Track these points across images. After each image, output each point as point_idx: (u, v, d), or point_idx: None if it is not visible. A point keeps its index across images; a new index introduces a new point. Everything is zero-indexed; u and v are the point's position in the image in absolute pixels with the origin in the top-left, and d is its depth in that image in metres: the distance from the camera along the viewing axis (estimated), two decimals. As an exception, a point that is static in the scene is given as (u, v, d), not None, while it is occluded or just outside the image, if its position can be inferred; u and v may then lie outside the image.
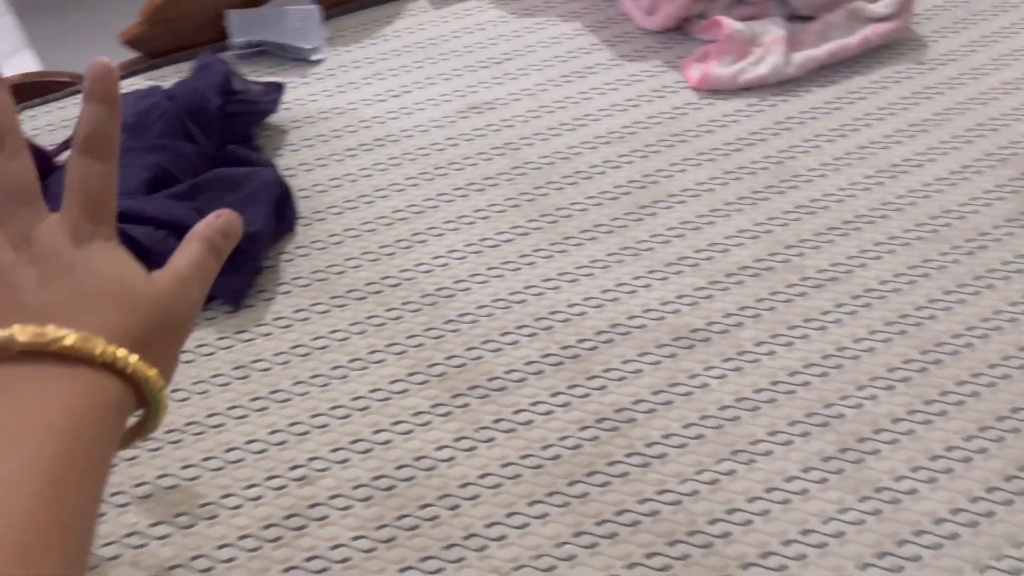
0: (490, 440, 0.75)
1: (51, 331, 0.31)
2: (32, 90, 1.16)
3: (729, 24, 1.11)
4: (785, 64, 1.08)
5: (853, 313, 0.83)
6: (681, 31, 1.18)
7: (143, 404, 0.35)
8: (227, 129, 0.99)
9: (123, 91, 1.03)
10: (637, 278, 0.88)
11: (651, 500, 0.70)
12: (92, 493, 0.31)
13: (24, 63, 2.21)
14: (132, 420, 0.37)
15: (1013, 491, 0.69)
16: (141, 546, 0.68)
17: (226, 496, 0.72)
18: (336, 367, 0.82)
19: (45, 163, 0.98)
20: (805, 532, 0.68)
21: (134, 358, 0.33)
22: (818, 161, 0.99)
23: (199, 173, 0.94)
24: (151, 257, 0.83)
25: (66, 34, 2.26)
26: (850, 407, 0.75)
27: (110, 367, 0.32)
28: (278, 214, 0.93)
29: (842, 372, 0.78)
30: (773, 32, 1.11)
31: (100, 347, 0.32)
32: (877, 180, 0.97)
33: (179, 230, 0.85)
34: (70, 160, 0.37)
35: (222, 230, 0.42)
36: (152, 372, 0.34)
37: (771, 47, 1.09)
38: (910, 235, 0.91)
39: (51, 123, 1.09)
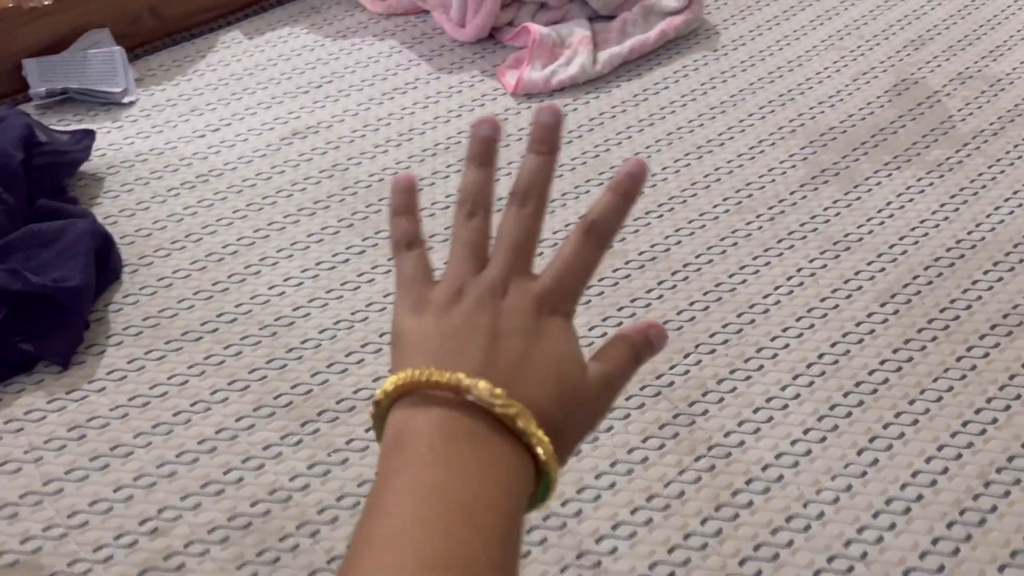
0: (344, 462, 0.76)
1: (500, 395, 0.33)
2: None
3: (537, 29, 1.16)
4: (592, 63, 1.14)
5: (673, 288, 0.89)
6: (493, 40, 1.22)
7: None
8: (35, 183, 0.95)
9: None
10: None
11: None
12: (513, 568, 0.33)
13: None
14: None
15: (826, 429, 0.76)
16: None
17: (73, 563, 0.69)
18: (178, 412, 0.80)
19: None
20: (650, 498, 0.72)
21: (551, 448, 0.34)
22: (631, 151, 1.06)
23: (7, 233, 0.89)
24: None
25: None
26: (678, 375, 0.81)
27: (528, 445, 0.33)
28: (101, 265, 0.90)
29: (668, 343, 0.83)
30: (578, 33, 1.17)
31: (532, 427, 0.33)
32: (685, 162, 1.04)
33: (-10, 294, 0.81)
34: (571, 234, 0.38)
35: (651, 342, 0.41)
36: (556, 462, 0.34)
37: (578, 48, 1.15)
38: (718, 209, 0.98)
39: None
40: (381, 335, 0.86)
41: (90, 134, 1.04)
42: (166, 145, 1.08)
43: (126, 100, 1.13)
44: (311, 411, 0.80)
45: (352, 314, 0.89)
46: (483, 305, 0.36)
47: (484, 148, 0.39)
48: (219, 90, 1.16)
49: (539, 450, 0.33)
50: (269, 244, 0.96)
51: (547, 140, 0.39)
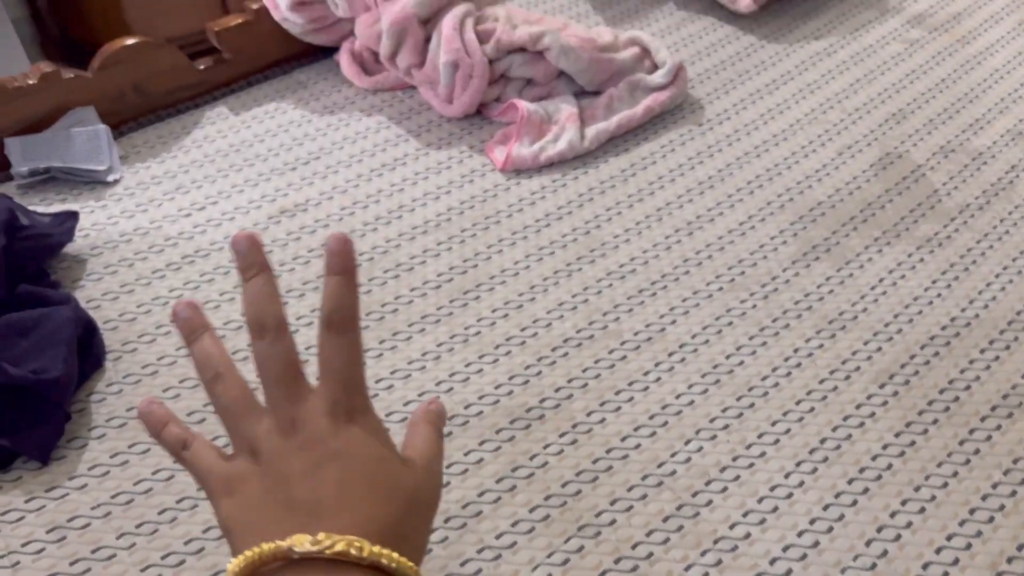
0: (338, 560, 0.73)
1: (324, 539, 0.34)
2: None
3: (524, 106, 1.17)
4: (580, 139, 1.15)
5: (671, 370, 0.88)
6: (480, 115, 1.23)
7: None
8: (16, 269, 0.93)
9: None
10: (469, 364, 0.89)
11: (507, 592, 0.70)
12: None
13: None
14: None
15: (833, 519, 0.75)
16: None
17: None
18: (163, 510, 0.77)
19: None
20: (656, 596, 0.70)
21: (396, 556, 0.35)
22: (621, 227, 1.06)
23: (-13, 322, 0.86)
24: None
25: None
26: (680, 463, 0.79)
27: (375, 566, 0.34)
28: (83, 352, 0.87)
29: (668, 429, 0.82)
30: (566, 110, 1.17)
31: (367, 550, 0.34)
32: (676, 239, 1.04)
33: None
34: (319, 338, 0.39)
35: (440, 414, 0.44)
36: (411, 565, 0.35)
37: (566, 124, 1.16)
38: (712, 287, 0.98)
39: None
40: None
41: (73, 215, 1.02)
42: (151, 224, 1.07)
43: (111, 178, 1.12)
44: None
45: (344, 401, 0.86)
46: (281, 454, 0.37)
47: (190, 327, 0.40)
48: (205, 167, 1.15)
49: (384, 562, 0.34)
50: (257, 328, 0.94)
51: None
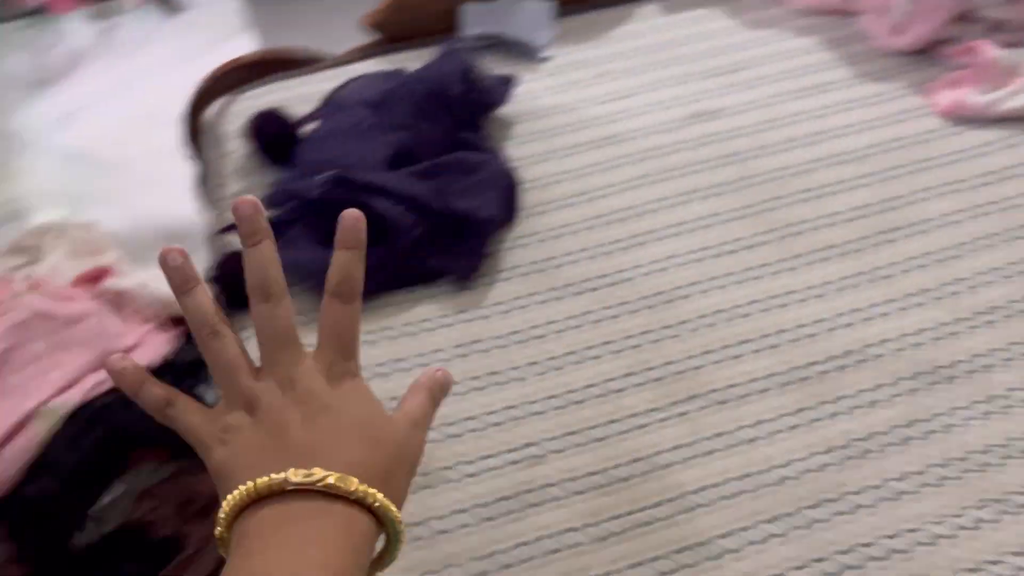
0: (710, 452, 0.73)
1: (317, 472, 0.36)
2: (271, 66, 1.24)
3: (989, 50, 1.03)
4: (1051, 96, 0.99)
5: None
6: (927, 54, 1.11)
7: (383, 535, 0.40)
8: (463, 116, 1.02)
9: (368, 72, 1.08)
10: (874, 305, 0.83)
11: (899, 536, 0.66)
12: None
13: (246, 44, 2.38)
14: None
15: None
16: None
17: (445, 468, 0.73)
18: (552, 357, 0.82)
19: (290, 134, 1.04)
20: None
21: (380, 495, 0.37)
22: (1085, 202, 0.91)
23: (437, 155, 0.97)
24: (390, 229, 0.86)
25: (288, 16, 2.42)
26: (1124, 474, 0.68)
27: (360, 503, 0.37)
28: (505, 204, 0.94)
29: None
30: (1037, 61, 1.02)
31: (354, 485, 0.37)
32: None
33: (417, 206, 0.88)
34: (323, 304, 0.41)
35: (442, 384, 0.45)
36: (393, 507, 0.38)
37: (1034, 77, 1.01)
38: None
39: (287, 98, 1.14)
40: (762, 336, 0.81)
41: (511, 80, 1.10)
42: (574, 103, 1.12)
43: (542, 55, 1.18)
44: (681, 392, 0.78)
45: (733, 307, 0.85)
46: (279, 407, 0.39)
47: (182, 275, 0.40)
48: (629, 59, 1.17)
49: (370, 500, 0.36)
50: (658, 219, 0.95)
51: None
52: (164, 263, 0.40)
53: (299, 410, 0.39)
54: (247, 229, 0.41)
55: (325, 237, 0.93)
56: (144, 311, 1.52)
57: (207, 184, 1.06)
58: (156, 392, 0.41)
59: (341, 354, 0.41)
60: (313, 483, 0.36)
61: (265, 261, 0.41)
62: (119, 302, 1.49)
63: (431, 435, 0.75)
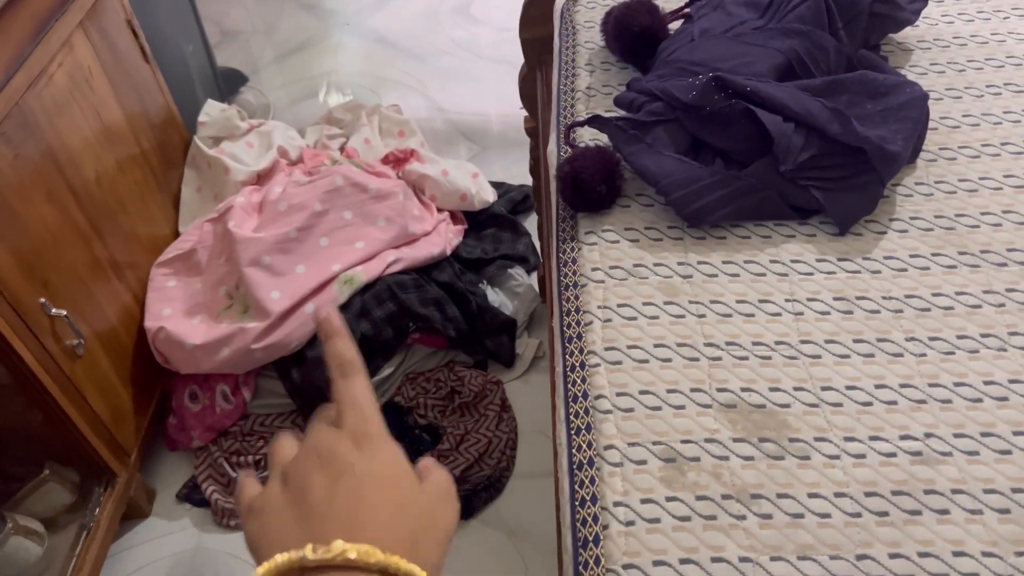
0: None
1: (335, 547, 0.35)
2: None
3: None
4: None
5: None
6: None
7: None
8: (868, 32, 0.86)
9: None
10: None
11: None
12: None
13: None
14: None
15: None
16: (722, 458, 0.60)
17: (819, 440, 0.61)
18: (962, 336, 0.67)
19: (658, 29, 0.93)
20: None
21: (403, 563, 0.36)
22: None
23: (833, 71, 0.82)
24: (773, 148, 0.74)
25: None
26: None
27: (383, 573, 0.36)
28: (917, 141, 0.78)
29: None
30: None
31: (375, 556, 0.35)
32: None
33: (809, 125, 0.75)
34: (332, 385, 0.42)
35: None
36: (421, 572, 0.36)
37: None
38: None
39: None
40: None
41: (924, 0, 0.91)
42: (991, 36, 0.91)
43: (960, -27, 0.97)
44: None
45: None
46: (302, 473, 0.39)
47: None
48: (1078, -10, 0.93)
49: (392, 569, 0.36)
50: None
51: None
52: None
53: (322, 473, 0.39)
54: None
55: (691, 145, 0.83)
56: (441, 199, 1.51)
57: (560, 75, 0.98)
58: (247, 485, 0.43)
59: (361, 418, 0.41)
60: (332, 559, 0.35)
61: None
62: (421, 186, 1.50)
63: (805, 396, 0.63)
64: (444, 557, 0.40)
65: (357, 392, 0.42)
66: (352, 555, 0.35)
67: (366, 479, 0.39)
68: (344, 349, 0.43)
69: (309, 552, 0.35)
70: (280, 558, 0.36)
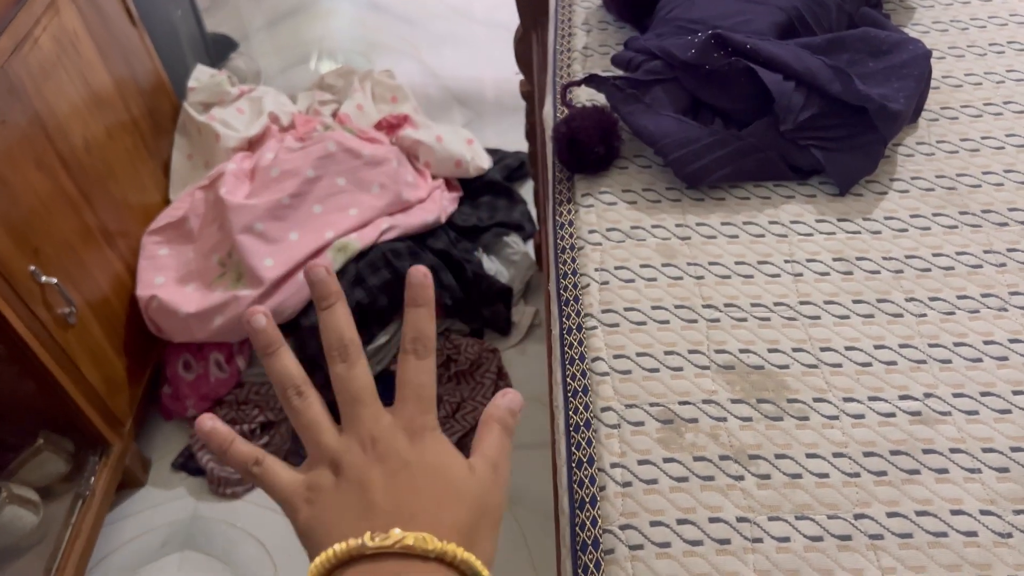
0: None
1: (393, 535, 0.36)
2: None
3: None
4: None
5: None
6: None
7: None
8: (871, -12, 0.84)
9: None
10: None
11: None
12: None
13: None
14: None
15: None
16: (720, 419, 0.60)
17: (818, 401, 0.61)
18: (962, 296, 0.66)
19: None
20: None
21: (460, 551, 0.36)
22: None
23: (834, 28, 0.80)
24: (773, 106, 0.72)
25: None
26: None
27: (441, 560, 0.36)
28: (918, 99, 0.77)
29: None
30: None
31: (432, 543, 0.36)
32: None
33: (809, 84, 0.73)
34: (399, 360, 0.42)
35: (511, 409, 0.44)
36: (477, 562, 0.37)
37: None
38: None
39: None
40: None
41: (927, -47, 0.89)
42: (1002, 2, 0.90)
43: (963, -71, 0.95)
44: None
45: None
46: (362, 466, 0.39)
47: (266, 339, 0.42)
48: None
49: (449, 556, 0.36)
50: (1118, 148, 0.74)
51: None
52: (250, 324, 0.42)
53: (380, 468, 0.39)
54: (320, 292, 0.42)
55: (690, 104, 0.81)
56: (436, 166, 1.49)
57: (557, 35, 0.96)
58: (244, 451, 0.41)
59: (419, 408, 0.41)
60: (390, 546, 0.36)
61: (340, 323, 0.42)
62: (414, 152, 1.48)
63: (803, 357, 0.63)
64: (496, 543, 0.40)
65: (425, 378, 0.41)
66: (410, 542, 0.36)
67: (423, 472, 0.39)
68: (428, 324, 0.42)
69: (368, 539, 0.36)
70: (339, 547, 0.36)
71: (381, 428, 0.40)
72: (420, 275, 0.42)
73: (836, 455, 0.58)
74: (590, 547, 0.55)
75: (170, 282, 1.31)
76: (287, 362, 0.42)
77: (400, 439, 0.40)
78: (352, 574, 0.36)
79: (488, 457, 0.41)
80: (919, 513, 0.54)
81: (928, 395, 0.60)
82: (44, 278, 1.09)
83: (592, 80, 0.80)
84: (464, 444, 1.30)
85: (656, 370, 0.63)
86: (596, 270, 0.70)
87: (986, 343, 0.63)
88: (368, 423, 0.40)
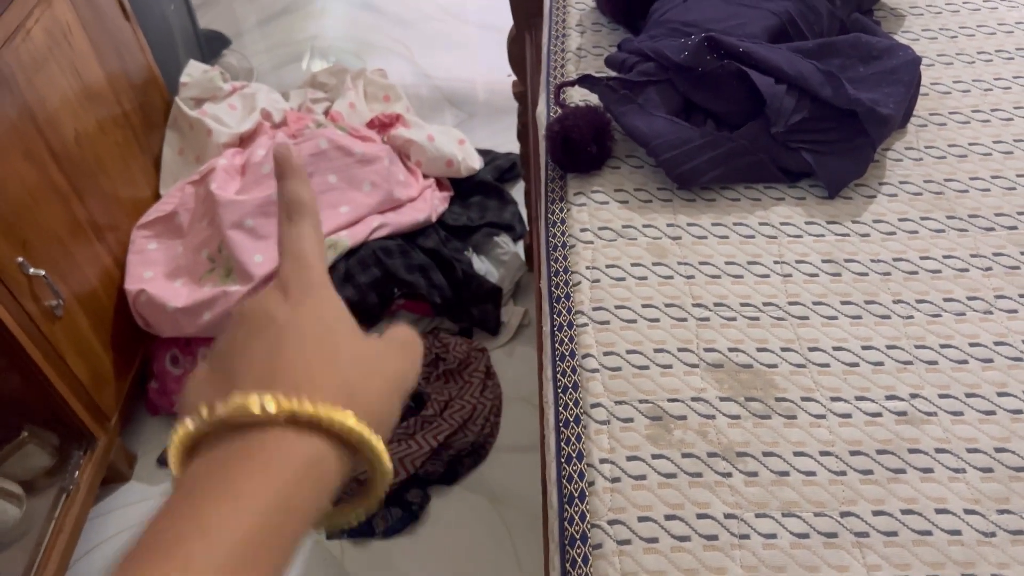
0: None
1: (232, 403, 0.30)
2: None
3: None
4: None
5: None
6: None
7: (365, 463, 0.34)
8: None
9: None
10: None
11: None
12: (286, 553, 0.30)
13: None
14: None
15: None
16: (709, 417, 0.60)
17: (805, 400, 0.61)
18: (949, 299, 0.67)
19: None
20: None
21: (325, 408, 0.31)
22: None
23: (826, 34, 0.81)
24: (765, 110, 0.73)
25: None
26: None
27: (295, 422, 0.31)
28: (908, 105, 0.77)
29: None
30: None
31: (275, 404, 0.30)
32: None
33: (801, 88, 0.74)
34: (278, 230, 0.39)
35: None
36: (351, 421, 0.32)
37: None
38: None
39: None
40: None
41: (918, -38, 0.90)
42: (983, 2, 0.91)
43: (953, -61, 0.97)
44: None
45: None
46: (225, 336, 0.35)
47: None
48: (1071, -42, 0.93)
49: (299, 413, 0.31)
50: (1102, 156, 0.75)
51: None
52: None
53: (242, 329, 0.35)
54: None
55: (682, 106, 0.82)
56: (427, 165, 1.49)
57: (550, 36, 0.97)
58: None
59: (297, 267, 0.37)
60: (230, 417, 0.30)
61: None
62: (406, 151, 1.48)
63: (792, 357, 0.63)
64: (394, 407, 0.36)
65: (302, 239, 0.37)
66: (235, 405, 0.30)
67: (288, 328, 0.34)
68: (298, 189, 0.38)
69: (204, 413, 0.30)
70: (176, 433, 0.31)
71: (257, 295, 0.36)
72: (283, 148, 0.39)
73: (823, 453, 0.58)
74: (578, 542, 0.55)
75: (159, 276, 1.31)
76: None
77: (272, 298, 0.36)
78: (201, 462, 0.31)
79: (396, 333, 0.38)
80: (904, 512, 0.55)
81: (914, 395, 0.61)
82: (32, 270, 1.08)
83: (586, 80, 0.80)
84: (451, 442, 1.30)
85: (646, 367, 0.63)
86: (587, 268, 0.70)
87: (972, 345, 0.64)
88: (250, 300, 0.37)
